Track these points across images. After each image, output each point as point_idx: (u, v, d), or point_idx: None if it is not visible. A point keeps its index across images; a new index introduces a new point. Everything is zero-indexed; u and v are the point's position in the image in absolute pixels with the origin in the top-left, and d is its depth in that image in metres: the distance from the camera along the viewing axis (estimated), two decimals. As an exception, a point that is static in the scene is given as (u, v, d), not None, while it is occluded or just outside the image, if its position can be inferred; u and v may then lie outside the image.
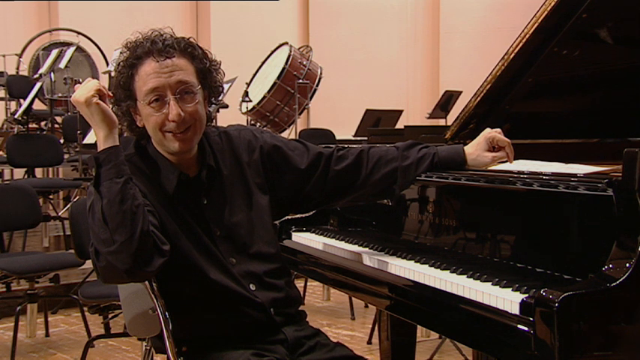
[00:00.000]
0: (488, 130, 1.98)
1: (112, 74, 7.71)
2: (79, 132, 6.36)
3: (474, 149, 1.98)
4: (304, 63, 7.58)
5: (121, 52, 1.83)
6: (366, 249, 2.09)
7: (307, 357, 1.84)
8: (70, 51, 7.84)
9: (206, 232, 1.83)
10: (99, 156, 1.65)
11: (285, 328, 1.87)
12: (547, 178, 1.66)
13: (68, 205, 5.88)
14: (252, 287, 1.85)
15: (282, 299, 1.90)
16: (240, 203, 1.90)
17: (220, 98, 1.92)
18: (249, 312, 1.82)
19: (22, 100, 7.48)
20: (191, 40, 1.84)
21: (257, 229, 1.91)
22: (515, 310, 1.46)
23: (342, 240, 2.23)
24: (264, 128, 7.09)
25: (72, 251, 3.63)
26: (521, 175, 1.74)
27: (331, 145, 2.06)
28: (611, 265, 1.40)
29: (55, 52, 8.04)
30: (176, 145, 1.77)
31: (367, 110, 7.72)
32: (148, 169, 1.82)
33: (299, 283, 5.28)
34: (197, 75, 1.81)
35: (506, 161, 1.97)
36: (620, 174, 1.44)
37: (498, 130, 1.98)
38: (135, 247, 1.59)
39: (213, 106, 1.93)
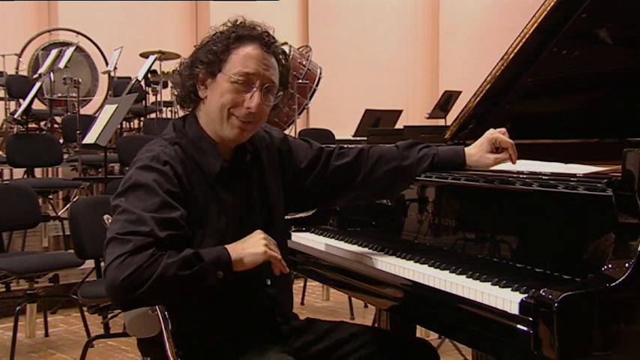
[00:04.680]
0: (491, 130, 1.97)
1: (112, 74, 7.58)
2: (78, 132, 6.36)
3: (477, 150, 1.97)
4: (304, 63, 7.58)
5: (223, 24, 1.83)
6: (366, 249, 2.09)
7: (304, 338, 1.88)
8: (70, 51, 7.85)
9: (239, 219, 1.82)
10: (229, 275, 1.66)
11: (282, 326, 1.90)
12: (546, 178, 1.66)
13: (67, 205, 5.87)
14: (268, 282, 1.86)
15: (284, 300, 1.93)
16: (265, 195, 1.91)
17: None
18: (256, 307, 1.83)
19: (21, 100, 7.49)
20: (285, 50, 1.89)
21: (278, 221, 1.93)
22: (514, 310, 1.46)
23: (341, 240, 2.23)
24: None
25: (71, 251, 3.63)
26: (521, 175, 1.74)
27: (332, 145, 2.07)
28: (610, 265, 1.40)
29: (54, 52, 8.05)
30: (235, 132, 1.78)
31: (367, 110, 7.73)
32: (193, 153, 1.80)
33: (298, 283, 5.28)
34: (279, 83, 1.85)
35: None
36: (620, 174, 1.44)
37: (503, 130, 1.97)
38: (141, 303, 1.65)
39: None
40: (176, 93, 1.86)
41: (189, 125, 1.83)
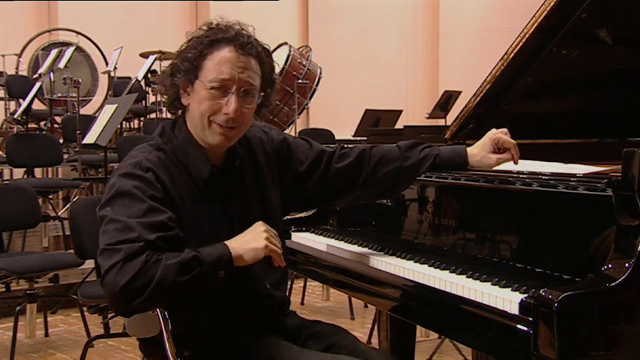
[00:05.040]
0: (493, 130, 1.97)
1: (112, 74, 7.57)
2: (78, 132, 6.36)
3: (479, 150, 1.97)
4: (304, 63, 7.58)
5: (198, 29, 1.81)
6: (366, 249, 2.09)
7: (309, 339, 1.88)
8: (70, 51, 7.85)
9: (232, 222, 1.81)
10: (230, 271, 1.64)
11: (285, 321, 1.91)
12: (546, 178, 1.66)
13: (67, 205, 5.87)
14: (268, 285, 1.86)
15: (284, 300, 1.92)
16: (261, 196, 1.90)
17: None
18: (256, 307, 1.83)
19: (21, 100, 7.50)
20: (267, 46, 1.86)
21: (274, 222, 1.91)
22: (514, 310, 1.46)
23: (341, 240, 2.23)
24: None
25: (71, 251, 3.63)
26: (521, 175, 1.74)
27: (333, 145, 2.06)
28: (610, 265, 1.40)
29: (54, 52, 8.05)
30: (218, 139, 1.76)
31: (367, 110, 7.73)
32: (181, 158, 1.79)
33: (298, 283, 5.28)
34: (261, 82, 1.81)
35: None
36: (620, 174, 1.45)
37: (504, 130, 1.97)
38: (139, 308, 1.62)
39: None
40: (164, 100, 1.85)
41: (179, 129, 1.81)
